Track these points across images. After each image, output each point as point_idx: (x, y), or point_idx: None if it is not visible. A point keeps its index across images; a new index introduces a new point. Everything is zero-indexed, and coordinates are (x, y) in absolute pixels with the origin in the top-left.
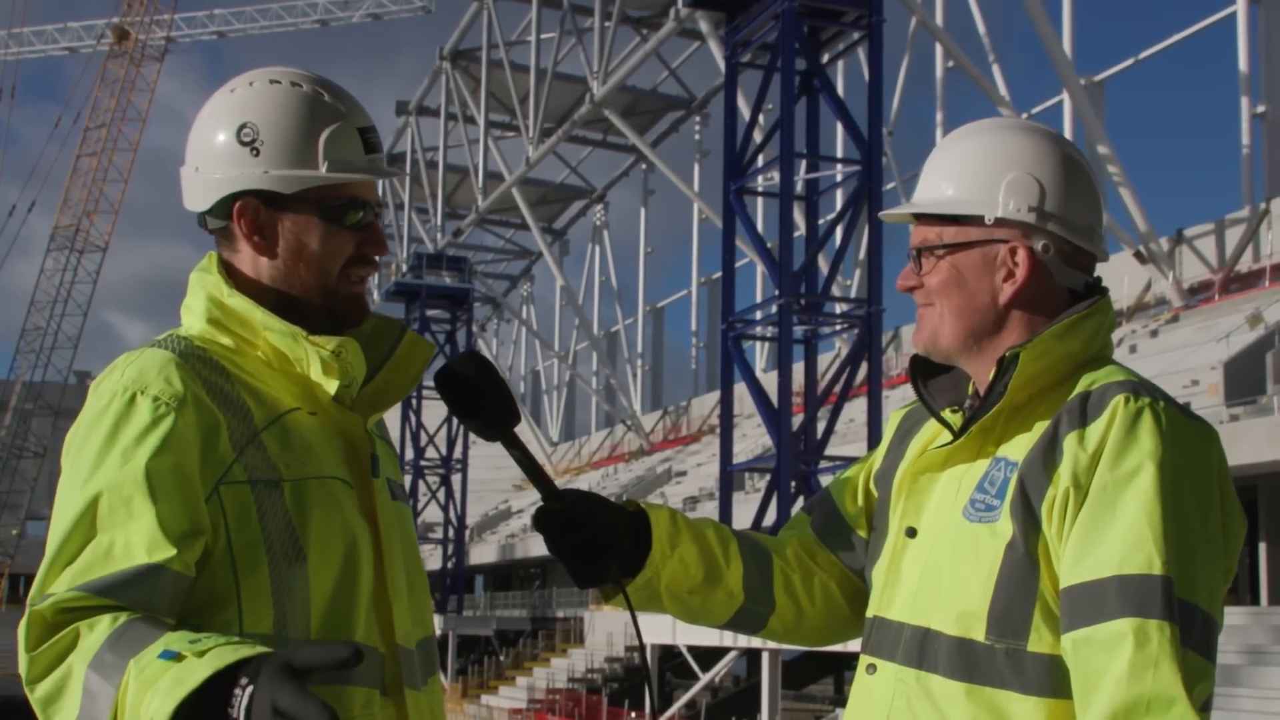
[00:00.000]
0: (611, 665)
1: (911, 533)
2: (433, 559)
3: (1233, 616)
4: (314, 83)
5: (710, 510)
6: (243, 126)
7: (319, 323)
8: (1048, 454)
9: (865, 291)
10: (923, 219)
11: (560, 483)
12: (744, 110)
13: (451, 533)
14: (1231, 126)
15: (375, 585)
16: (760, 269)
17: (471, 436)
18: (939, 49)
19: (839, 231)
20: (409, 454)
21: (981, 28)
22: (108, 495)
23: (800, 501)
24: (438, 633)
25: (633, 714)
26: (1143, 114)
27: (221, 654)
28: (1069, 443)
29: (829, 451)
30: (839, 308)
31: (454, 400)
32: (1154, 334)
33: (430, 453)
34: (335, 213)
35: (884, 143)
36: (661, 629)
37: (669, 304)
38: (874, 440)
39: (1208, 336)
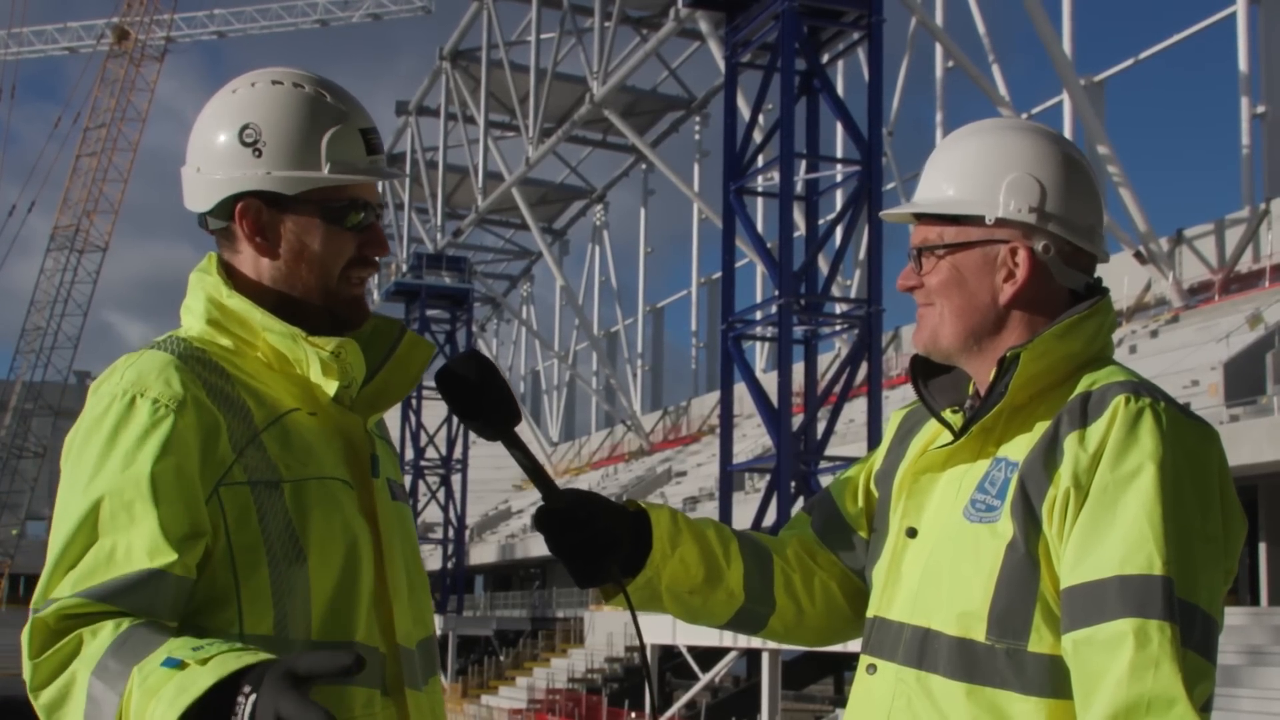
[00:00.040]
0: (611, 665)
1: (912, 533)
2: (433, 559)
3: (1233, 617)
4: (316, 84)
5: (710, 510)
6: (245, 127)
7: (319, 324)
8: (1048, 454)
9: (865, 291)
10: (923, 219)
11: (560, 483)
12: (744, 110)
13: (451, 533)
14: (1231, 127)
15: (376, 585)
16: (760, 269)
17: (472, 436)
18: (939, 49)
19: (839, 231)
20: (409, 454)
21: (981, 28)
22: (109, 500)
23: (800, 502)
24: (438, 633)
25: (633, 714)
26: (1143, 114)
27: (224, 661)
28: (1069, 443)
29: (829, 452)
30: (839, 308)
31: (455, 400)
32: (1154, 334)
33: (430, 453)
34: (337, 214)
35: (884, 143)
36: (661, 629)
37: (669, 304)
38: (874, 440)
39: (1208, 337)
